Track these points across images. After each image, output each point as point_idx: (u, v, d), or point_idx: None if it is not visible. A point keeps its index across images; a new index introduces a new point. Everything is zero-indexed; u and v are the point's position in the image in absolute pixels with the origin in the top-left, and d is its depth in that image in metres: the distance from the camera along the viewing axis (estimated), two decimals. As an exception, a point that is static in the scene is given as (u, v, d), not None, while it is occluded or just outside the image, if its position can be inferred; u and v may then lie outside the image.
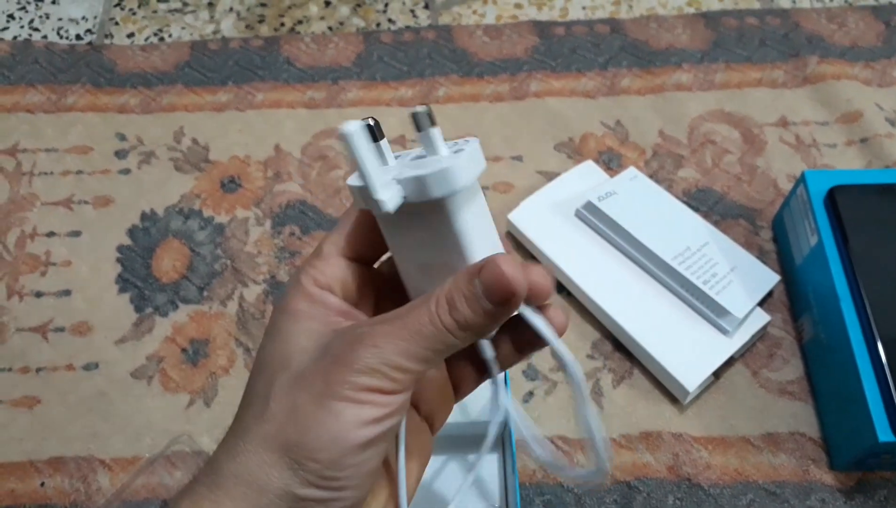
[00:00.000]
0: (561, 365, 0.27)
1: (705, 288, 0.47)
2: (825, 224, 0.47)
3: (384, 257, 0.28)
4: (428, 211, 0.23)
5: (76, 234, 0.55)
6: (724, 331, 0.47)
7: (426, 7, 0.71)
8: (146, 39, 0.69)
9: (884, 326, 0.42)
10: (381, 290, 0.28)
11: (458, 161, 0.22)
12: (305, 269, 0.26)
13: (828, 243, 0.46)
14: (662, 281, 0.49)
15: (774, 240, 0.54)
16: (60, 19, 0.71)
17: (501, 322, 0.24)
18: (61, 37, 0.69)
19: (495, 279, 0.23)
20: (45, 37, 0.69)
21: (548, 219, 0.52)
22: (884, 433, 0.40)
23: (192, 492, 0.24)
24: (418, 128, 0.23)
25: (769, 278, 0.49)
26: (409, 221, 0.24)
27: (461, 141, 0.25)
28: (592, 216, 0.51)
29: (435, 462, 0.44)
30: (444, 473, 0.44)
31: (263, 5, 0.72)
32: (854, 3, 0.69)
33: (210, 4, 0.72)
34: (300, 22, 0.70)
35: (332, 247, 0.27)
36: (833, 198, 0.47)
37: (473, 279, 0.23)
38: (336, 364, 0.23)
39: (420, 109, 0.23)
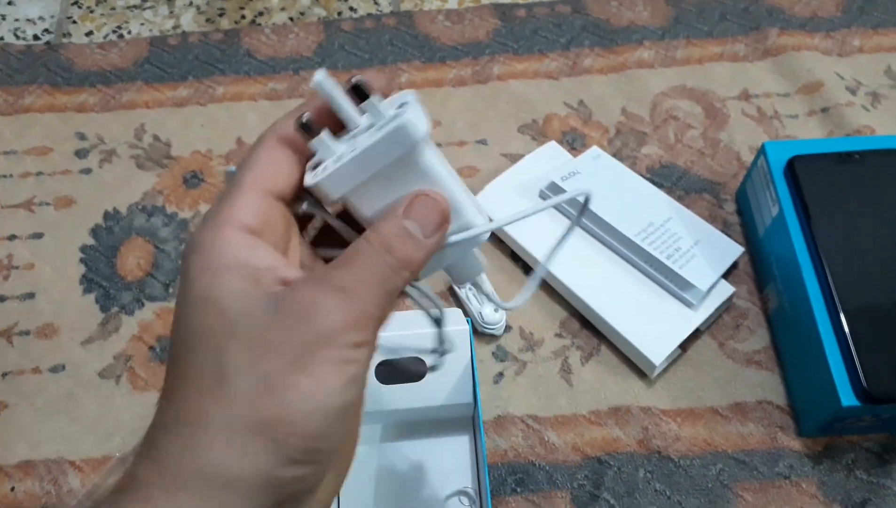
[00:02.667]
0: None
1: (668, 262, 0.47)
2: (785, 194, 0.48)
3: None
4: (396, 167, 0.23)
5: (38, 236, 0.55)
6: (688, 304, 0.47)
7: (387, -6, 0.70)
8: (105, 37, 0.68)
9: (845, 293, 0.43)
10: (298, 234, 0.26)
11: (408, 116, 0.22)
12: (223, 211, 0.23)
13: (788, 213, 0.47)
14: (627, 258, 0.49)
15: (738, 212, 0.54)
16: (17, 20, 0.70)
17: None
18: (18, 38, 0.68)
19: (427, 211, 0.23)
20: (1, 38, 0.68)
21: (513, 201, 0.52)
22: (847, 398, 0.40)
23: (144, 498, 0.20)
24: (362, 97, 0.23)
25: (733, 250, 0.49)
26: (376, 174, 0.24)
27: (397, 98, 0.25)
28: (556, 197, 0.51)
29: (402, 447, 0.44)
30: (410, 457, 0.44)
31: (223, -2, 0.71)
32: (813, -25, 0.69)
33: (168, -1, 0.71)
34: (261, 14, 0.70)
35: (254, 182, 0.23)
36: (792, 168, 0.48)
37: (405, 219, 0.23)
38: (306, 324, 0.21)
39: (358, 78, 0.23)
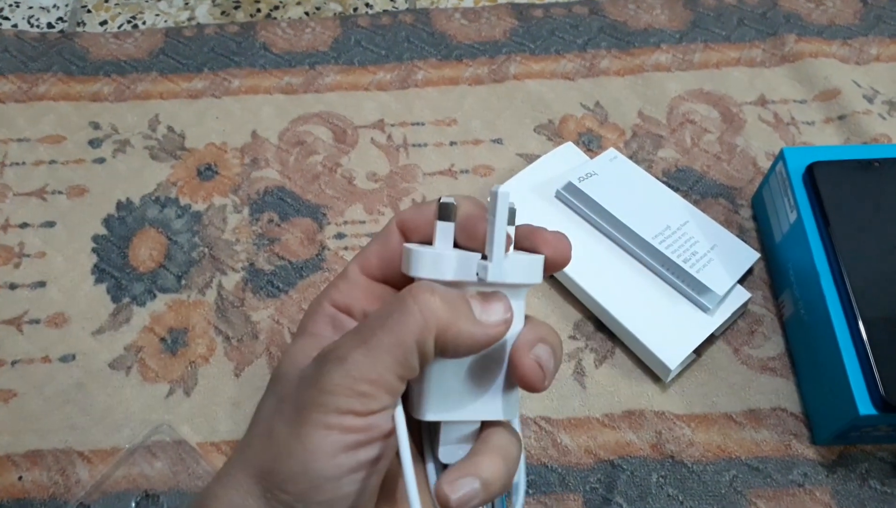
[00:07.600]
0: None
1: (685, 266, 0.47)
2: (804, 200, 0.47)
3: None
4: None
5: (50, 224, 0.54)
6: (704, 309, 0.47)
7: (403, -9, 0.70)
8: (119, 27, 0.68)
9: (863, 300, 0.43)
10: None
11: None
12: (327, 289, 0.26)
13: (807, 218, 0.46)
14: (643, 260, 0.49)
15: (754, 218, 0.54)
16: (31, 7, 0.70)
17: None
18: (32, 25, 0.68)
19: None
20: (15, 25, 0.68)
21: (528, 201, 0.52)
22: (864, 407, 0.40)
23: None
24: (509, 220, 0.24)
25: (749, 256, 0.49)
26: None
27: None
28: (573, 197, 0.51)
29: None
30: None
31: (238, -9, 0.71)
32: (831, -18, 0.69)
33: (184, -9, 0.71)
34: (276, 7, 0.69)
35: (357, 266, 0.26)
36: (812, 174, 0.47)
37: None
38: (305, 386, 0.22)
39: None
